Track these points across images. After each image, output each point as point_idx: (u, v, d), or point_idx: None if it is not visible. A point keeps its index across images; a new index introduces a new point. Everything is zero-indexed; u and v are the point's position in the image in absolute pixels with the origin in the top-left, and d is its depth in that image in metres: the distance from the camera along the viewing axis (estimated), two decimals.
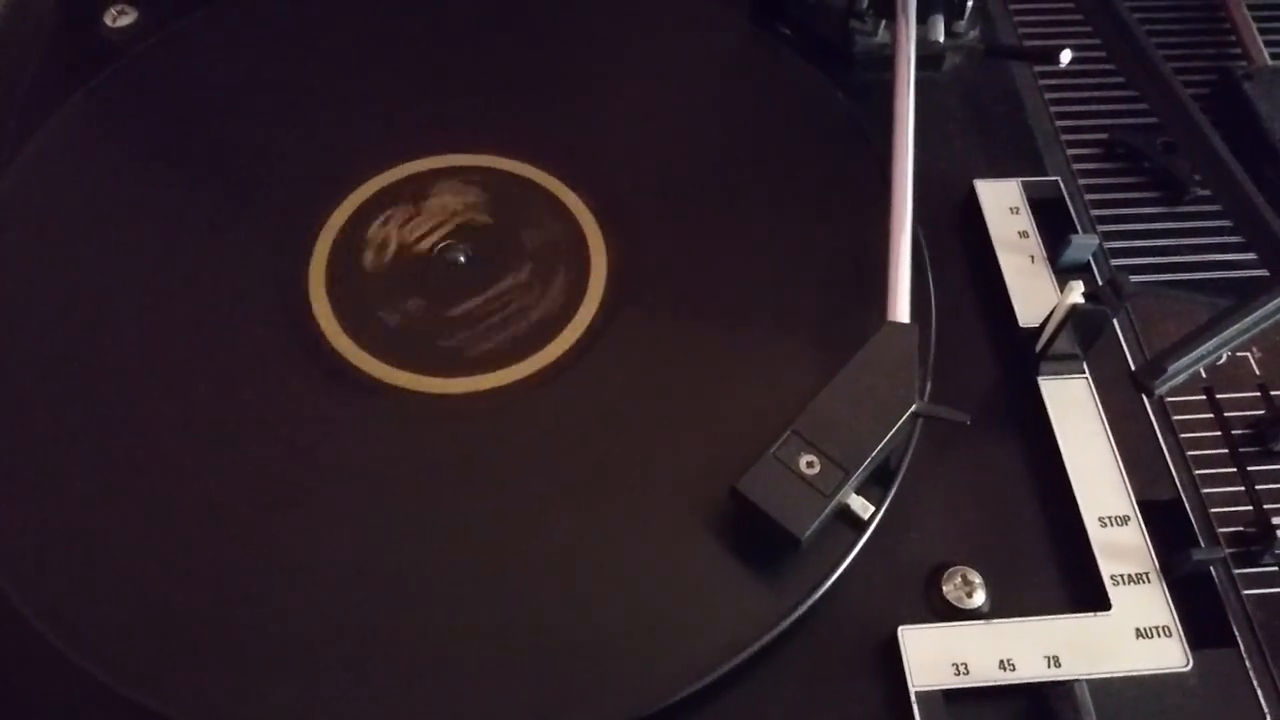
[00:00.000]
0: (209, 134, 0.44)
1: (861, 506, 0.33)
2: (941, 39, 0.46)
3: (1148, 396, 0.36)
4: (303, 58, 0.47)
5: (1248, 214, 0.37)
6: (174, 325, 0.39)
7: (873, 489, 0.34)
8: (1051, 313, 0.37)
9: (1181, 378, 0.33)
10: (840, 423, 0.33)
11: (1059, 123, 0.47)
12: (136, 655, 0.31)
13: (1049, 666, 0.32)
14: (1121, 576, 0.34)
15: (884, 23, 0.47)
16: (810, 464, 0.32)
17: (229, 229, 0.41)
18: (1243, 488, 0.37)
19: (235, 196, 0.42)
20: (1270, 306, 0.34)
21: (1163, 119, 0.41)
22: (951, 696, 0.31)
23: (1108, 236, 0.43)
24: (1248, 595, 0.34)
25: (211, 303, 0.39)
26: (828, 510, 0.32)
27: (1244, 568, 0.35)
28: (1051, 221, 0.42)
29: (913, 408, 0.34)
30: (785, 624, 0.32)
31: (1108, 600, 0.33)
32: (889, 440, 0.33)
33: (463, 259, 0.41)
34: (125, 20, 0.49)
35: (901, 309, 0.36)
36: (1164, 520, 0.35)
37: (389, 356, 0.38)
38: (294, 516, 0.34)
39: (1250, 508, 0.36)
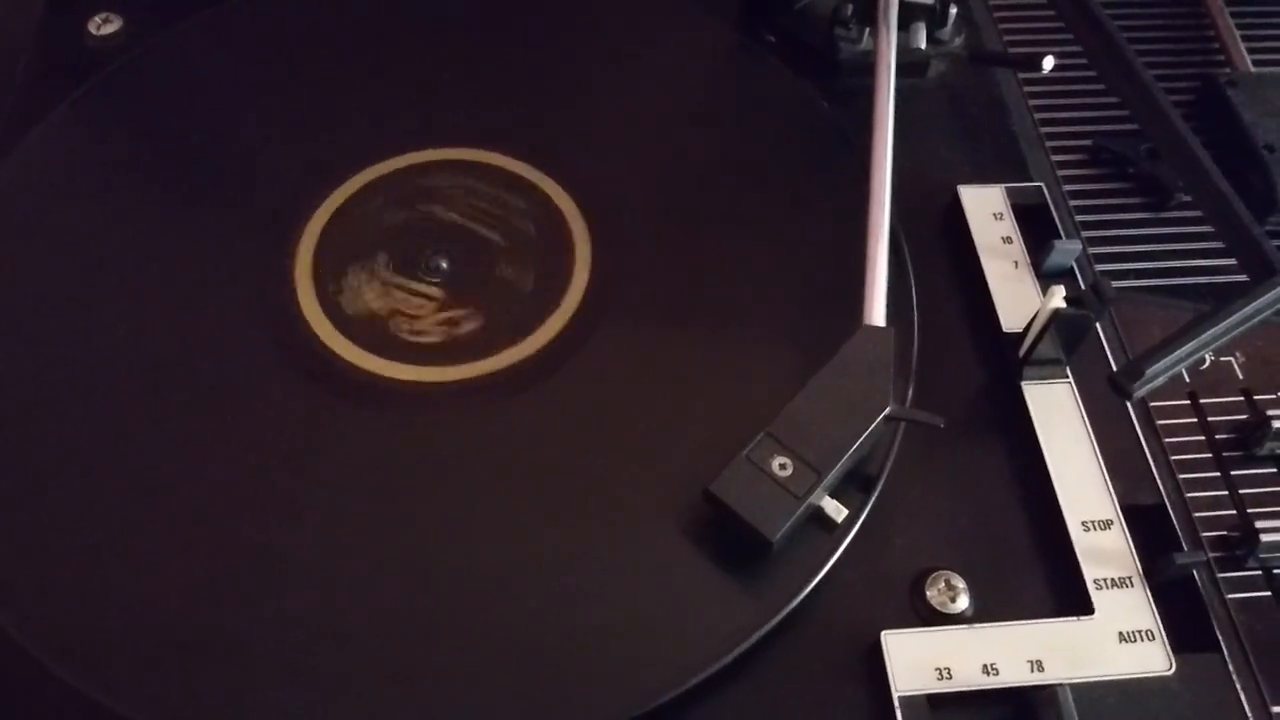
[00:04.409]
0: (193, 143, 0.44)
1: (835, 509, 0.33)
2: (923, 46, 0.46)
3: (1126, 400, 0.36)
4: (295, 62, 0.47)
5: (1228, 220, 0.37)
6: (158, 333, 0.39)
7: (854, 494, 0.34)
8: (1034, 317, 0.37)
9: (1159, 381, 0.33)
10: (814, 425, 0.33)
11: (1043, 129, 0.47)
12: (122, 665, 0.31)
13: (1032, 671, 0.32)
14: (1104, 580, 0.34)
15: (868, 30, 0.47)
16: (783, 466, 0.32)
17: (215, 236, 0.41)
18: (1226, 492, 0.37)
19: (220, 203, 0.42)
20: (1247, 310, 0.34)
21: (1143, 125, 0.41)
22: (935, 701, 0.31)
23: (1091, 242, 0.43)
24: (1231, 599, 0.34)
25: (196, 309, 0.39)
26: (799, 512, 0.32)
27: (1227, 571, 0.35)
28: (1035, 227, 0.42)
29: (886, 410, 0.34)
30: (766, 629, 0.32)
31: (1090, 604, 0.33)
32: (863, 443, 0.33)
33: (445, 264, 0.41)
34: (109, 29, 0.49)
35: (878, 313, 0.36)
36: (1147, 524, 0.35)
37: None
38: (282, 519, 0.34)
39: (1233, 512, 0.36)
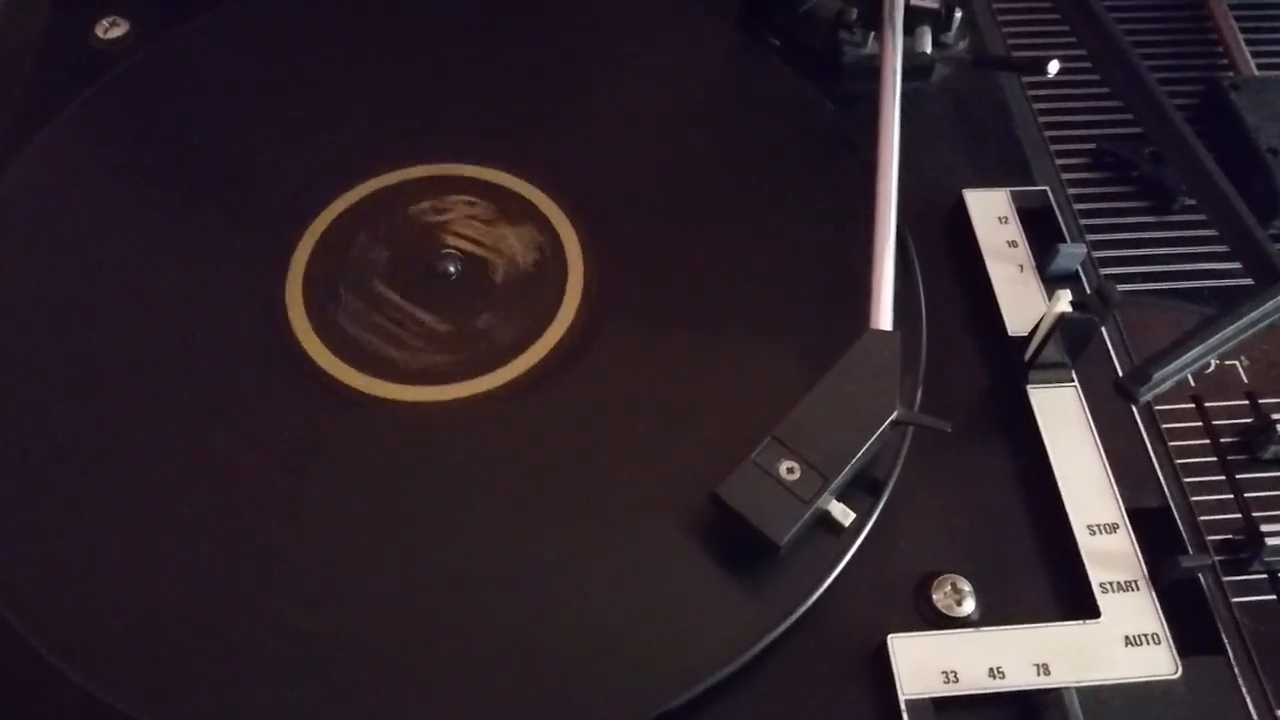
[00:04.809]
0: (199, 145, 0.44)
1: (842, 513, 0.33)
2: (928, 50, 0.46)
3: (1132, 404, 0.36)
4: (298, 68, 0.47)
5: (1232, 224, 0.37)
6: (161, 334, 0.39)
7: (862, 498, 0.34)
8: (1040, 321, 0.37)
9: (1166, 385, 0.33)
10: (821, 429, 0.33)
11: (1047, 132, 0.47)
12: (123, 663, 0.31)
13: (1038, 674, 0.32)
14: (1110, 584, 0.34)
15: (872, 34, 0.47)
16: (790, 470, 0.32)
17: (219, 239, 0.41)
18: (1231, 495, 0.37)
19: (224, 206, 0.42)
20: (1254, 315, 0.34)
21: (1147, 129, 0.41)
22: (941, 705, 0.31)
23: (1096, 245, 0.43)
24: (1236, 603, 0.34)
25: (199, 311, 0.39)
26: (807, 516, 0.32)
27: (1232, 575, 0.35)
28: (1040, 231, 0.42)
29: (893, 415, 0.34)
30: (775, 634, 0.32)
31: (1097, 608, 0.33)
32: (869, 447, 0.33)
33: (452, 270, 0.41)
34: (117, 32, 0.49)
35: (884, 317, 0.36)
36: (1152, 528, 0.35)
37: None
38: (282, 519, 0.34)
39: (1238, 515, 0.36)
